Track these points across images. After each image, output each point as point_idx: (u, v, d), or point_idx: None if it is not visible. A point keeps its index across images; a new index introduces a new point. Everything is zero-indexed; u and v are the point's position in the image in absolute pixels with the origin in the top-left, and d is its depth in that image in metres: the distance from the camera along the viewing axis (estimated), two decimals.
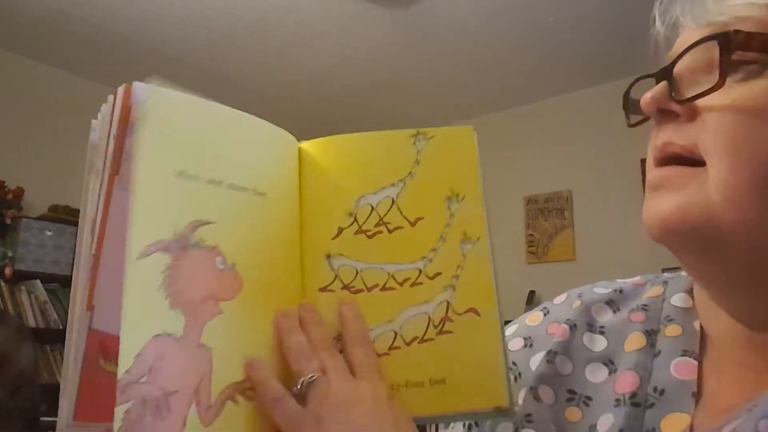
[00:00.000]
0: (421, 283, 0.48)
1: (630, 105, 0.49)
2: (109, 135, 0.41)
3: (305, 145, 0.51)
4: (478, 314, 0.48)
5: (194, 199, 0.42)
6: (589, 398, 0.48)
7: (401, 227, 0.49)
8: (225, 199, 0.43)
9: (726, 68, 0.40)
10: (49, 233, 3.28)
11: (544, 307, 0.58)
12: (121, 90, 0.41)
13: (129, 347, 0.37)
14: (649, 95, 0.44)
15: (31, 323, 3.13)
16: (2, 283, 3.15)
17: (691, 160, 0.42)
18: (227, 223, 0.43)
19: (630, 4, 2.38)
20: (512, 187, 4.06)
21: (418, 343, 0.47)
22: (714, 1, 0.43)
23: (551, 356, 0.51)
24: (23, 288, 3.23)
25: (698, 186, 0.41)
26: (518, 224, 4.04)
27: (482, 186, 0.50)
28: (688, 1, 0.45)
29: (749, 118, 0.40)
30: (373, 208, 0.49)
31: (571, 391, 0.49)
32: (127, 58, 3.56)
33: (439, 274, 0.48)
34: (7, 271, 3.13)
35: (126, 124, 0.40)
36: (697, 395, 0.44)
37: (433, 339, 0.47)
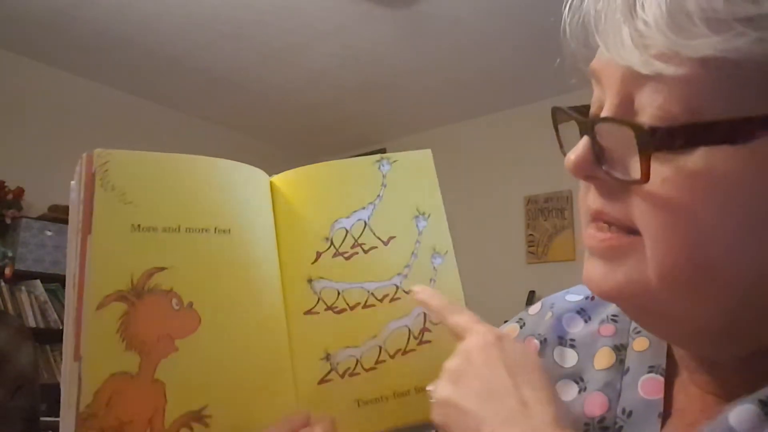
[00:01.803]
0: (399, 298, 0.51)
1: (560, 118, 0.45)
2: (78, 199, 0.45)
3: (276, 178, 0.54)
4: None
5: (150, 248, 0.46)
6: None
7: (376, 247, 0.52)
8: (182, 243, 0.47)
9: (647, 165, 0.35)
10: (49, 233, 3.28)
11: (520, 318, 0.57)
12: (84, 157, 0.46)
13: (89, 385, 0.42)
14: (572, 159, 0.38)
15: (31, 323, 3.12)
16: (2, 283, 3.15)
17: (627, 228, 0.38)
18: (184, 266, 0.47)
19: None
20: (512, 187, 4.06)
21: (402, 354, 0.50)
22: (632, 38, 0.35)
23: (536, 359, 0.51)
24: (23, 288, 3.22)
25: (636, 261, 0.37)
26: (518, 224, 4.04)
27: (442, 205, 0.55)
28: (599, 19, 0.37)
29: (683, 202, 0.35)
30: (347, 231, 0.52)
31: None
32: (127, 58, 3.56)
33: None
34: (7, 271, 3.13)
35: (90, 188, 0.45)
36: (666, 412, 0.43)
37: (414, 349, 0.51)
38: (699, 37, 0.33)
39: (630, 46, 0.35)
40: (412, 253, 0.53)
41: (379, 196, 0.53)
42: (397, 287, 0.52)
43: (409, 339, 0.51)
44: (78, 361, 0.42)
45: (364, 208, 0.53)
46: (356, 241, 0.52)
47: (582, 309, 0.53)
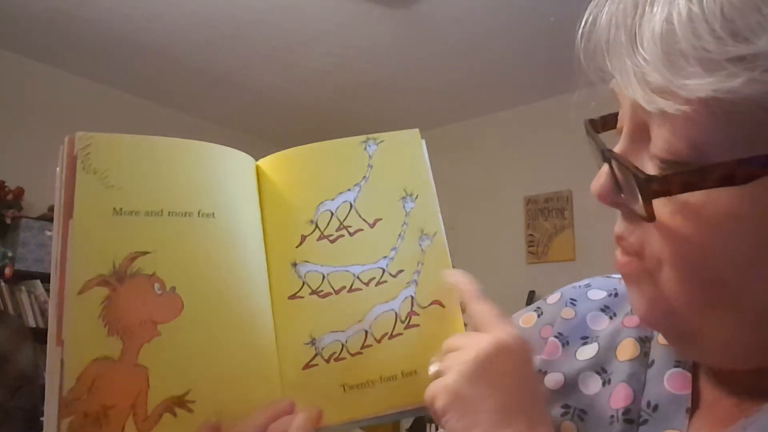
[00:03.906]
0: (385, 282, 0.50)
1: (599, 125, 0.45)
2: (60, 183, 0.45)
3: (262, 162, 0.53)
4: (443, 306, 0.51)
5: (132, 232, 0.46)
6: (583, 412, 0.47)
7: (361, 229, 0.51)
8: (165, 227, 0.47)
9: (650, 208, 0.36)
10: (49, 233, 3.27)
11: (538, 308, 0.57)
12: (66, 140, 0.46)
13: (71, 370, 0.42)
14: (596, 188, 0.40)
15: (31, 323, 3.13)
16: (2, 283, 3.15)
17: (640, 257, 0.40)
18: (167, 250, 0.46)
19: None
20: (512, 187, 4.06)
21: (388, 338, 0.49)
22: (635, 74, 0.35)
23: (540, 377, 0.50)
24: (23, 288, 3.23)
25: (651, 285, 0.39)
26: (518, 224, 4.04)
27: (433, 183, 0.53)
28: (609, 45, 0.37)
29: (694, 231, 0.36)
30: (332, 213, 0.51)
31: (566, 405, 0.48)
32: (127, 58, 3.56)
33: (401, 270, 0.51)
34: (7, 271, 3.13)
35: (72, 172, 0.45)
36: (693, 407, 0.43)
37: (401, 333, 0.50)
38: (693, 77, 0.33)
39: (634, 80, 0.35)
40: (399, 235, 0.51)
41: (365, 177, 0.52)
42: (384, 270, 0.51)
43: (395, 323, 0.50)
44: (60, 345, 0.42)
45: (349, 189, 0.52)
46: (341, 223, 0.51)
47: (606, 306, 0.53)
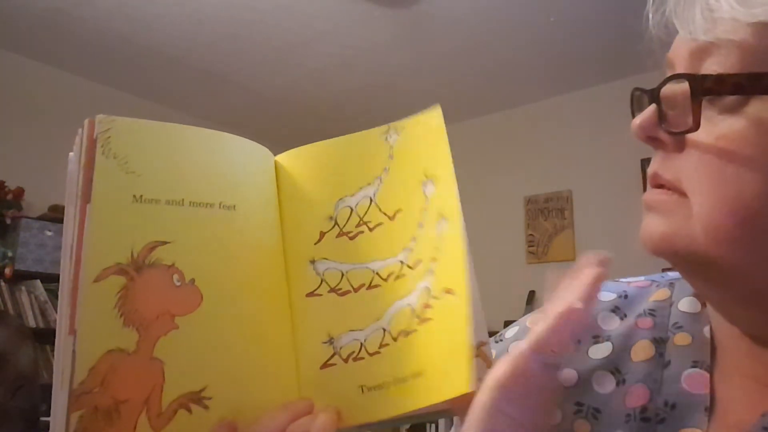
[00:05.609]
0: (404, 275, 0.48)
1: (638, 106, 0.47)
2: (78, 166, 0.43)
3: (281, 157, 0.52)
4: (453, 294, 0.46)
5: (152, 220, 0.44)
6: (597, 410, 0.47)
7: (381, 223, 0.49)
8: (185, 217, 0.45)
9: (698, 112, 0.39)
10: (49, 233, 3.28)
11: None
12: (86, 123, 0.44)
13: (83, 361, 0.40)
14: (637, 121, 0.43)
15: (31, 323, 3.13)
16: (2, 283, 3.15)
17: (677, 190, 0.42)
18: (187, 241, 0.44)
19: (630, 4, 2.37)
20: (512, 187, 4.06)
21: (404, 336, 0.47)
22: (702, 13, 0.40)
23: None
24: (23, 288, 3.23)
25: (684, 217, 0.40)
26: (518, 224, 4.04)
27: (452, 164, 0.50)
28: (678, 3, 0.42)
29: (732, 159, 0.38)
30: (352, 209, 0.50)
31: (579, 403, 0.48)
32: (127, 58, 3.57)
33: (419, 261, 0.48)
34: (7, 271, 3.13)
35: (91, 155, 0.43)
36: (710, 408, 0.43)
37: (416, 330, 0.47)
38: (758, 5, 0.37)
39: (700, 20, 0.40)
40: (419, 223, 0.49)
41: (386, 169, 0.50)
42: (402, 263, 0.48)
43: (411, 319, 0.47)
44: (73, 335, 0.40)
45: (370, 184, 0.50)
46: (361, 219, 0.49)
47: (617, 307, 0.53)
